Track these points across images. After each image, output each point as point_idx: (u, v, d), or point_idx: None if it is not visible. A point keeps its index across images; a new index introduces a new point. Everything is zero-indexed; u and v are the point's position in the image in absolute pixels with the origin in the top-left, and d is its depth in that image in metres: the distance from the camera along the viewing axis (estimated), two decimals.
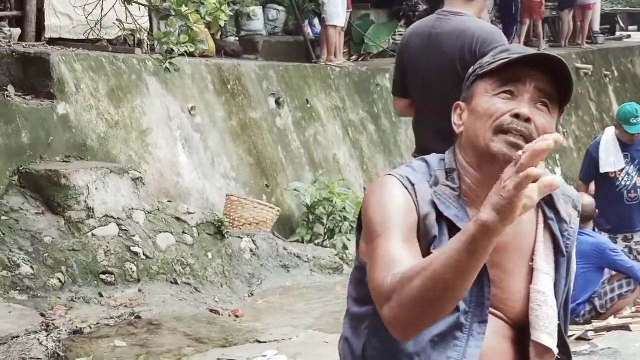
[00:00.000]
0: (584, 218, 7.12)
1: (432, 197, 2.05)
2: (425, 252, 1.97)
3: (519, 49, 2.11)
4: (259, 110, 9.69)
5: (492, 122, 2.03)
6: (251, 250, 7.60)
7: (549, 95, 2.06)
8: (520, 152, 1.68)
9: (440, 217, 2.04)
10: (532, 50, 2.11)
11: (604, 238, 7.28)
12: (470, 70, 2.17)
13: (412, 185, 2.06)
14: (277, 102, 10.03)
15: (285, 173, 9.66)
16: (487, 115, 2.04)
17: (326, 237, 8.86)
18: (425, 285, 1.80)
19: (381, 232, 1.99)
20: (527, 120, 2.01)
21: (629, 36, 21.75)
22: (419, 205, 2.03)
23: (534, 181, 1.67)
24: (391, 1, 15.10)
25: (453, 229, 2.01)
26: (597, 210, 7.23)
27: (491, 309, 2.06)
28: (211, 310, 6.56)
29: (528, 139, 2.00)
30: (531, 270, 2.12)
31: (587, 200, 7.22)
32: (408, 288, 1.82)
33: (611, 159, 7.69)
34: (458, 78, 4.04)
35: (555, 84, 2.06)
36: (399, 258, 1.91)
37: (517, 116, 2.01)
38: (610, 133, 7.82)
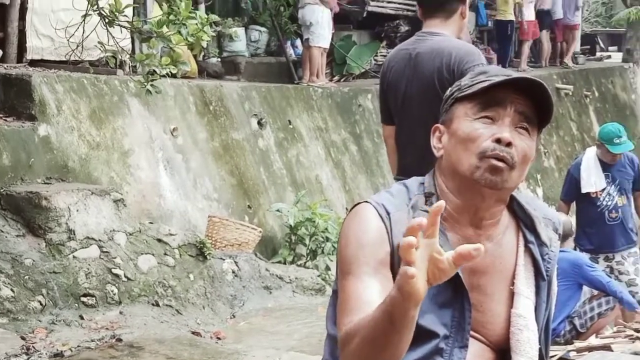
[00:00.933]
0: (562, 236, 7.15)
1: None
2: None
3: (496, 71, 2.10)
4: (241, 131, 9.69)
5: (474, 148, 2.02)
6: (233, 272, 7.57)
7: (529, 119, 2.05)
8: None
9: None
10: (510, 72, 2.10)
11: (580, 254, 7.31)
12: (448, 93, 2.16)
13: (388, 213, 2.05)
14: (259, 123, 10.03)
15: (268, 194, 9.65)
16: (469, 140, 2.04)
17: (308, 258, 8.84)
18: (361, 345, 1.84)
19: (351, 269, 2.00)
20: (509, 144, 2.01)
21: (609, 56, 21.91)
22: (392, 236, 2.03)
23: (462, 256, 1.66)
24: (373, 22, 15.16)
25: None
26: (573, 229, 7.25)
27: (471, 332, 2.06)
28: (193, 333, 6.53)
29: (509, 163, 2.00)
30: (512, 294, 2.12)
31: (564, 218, 7.25)
32: (350, 346, 1.87)
33: (592, 179, 7.72)
34: (437, 97, 4.07)
35: (535, 106, 2.06)
36: (365, 301, 1.92)
37: (498, 141, 2.01)
38: (591, 153, 7.85)
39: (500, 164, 2.00)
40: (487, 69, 2.14)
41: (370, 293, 1.94)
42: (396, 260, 2.01)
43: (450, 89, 2.17)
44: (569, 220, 7.27)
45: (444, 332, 2.01)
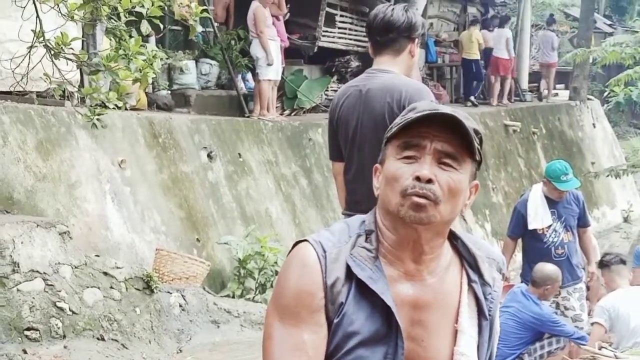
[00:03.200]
0: (537, 284, 7.25)
1: (347, 260, 2.05)
2: (332, 320, 2.02)
3: (424, 106, 2.10)
4: (190, 163, 9.65)
5: (398, 186, 2.04)
6: (180, 306, 7.50)
7: (451, 154, 2.05)
8: None
9: (352, 278, 2.05)
10: (438, 107, 2.09)
11: (547, 309, 7.35)
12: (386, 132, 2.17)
13: (324, 252, 2.06)
14: (209, 156, 10.01)
15: (217, 227, 9.60)
16: (393, 180, 2.05)
17: (257, 292, 8.81)
18: None
19: (283, 317, 2.04)
20: (429, 181, 2.01)
21: (557, 94, 22.27)
22: (326, 276, 2.04)
23: None
24: (324, 57, 15.27)
25: (366, 290, 2.03)
26: (548, 282, 7.30)
27: None
28: None
29: (431, 199, 2.02)
30: (455, 332, 2.12)
31: (549, 268, 7.32)
32: None
33: (539, 216, 7.79)
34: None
35: (461, 139, 2.06)
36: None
37: (418, 179, 2.02)
38: (537, 190, 7.93)
39: (421, 200, 2.01)
40: (416, 104, 2.13)
41: (292, 354, 1.99)
42: (329, 298, 2.03)
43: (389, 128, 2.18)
44: (553, 271, 7.33)
45: None
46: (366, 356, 2.01)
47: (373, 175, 2.17)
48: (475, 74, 18.18)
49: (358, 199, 4.28)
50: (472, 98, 18.10)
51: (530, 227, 7.79)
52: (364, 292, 2.03)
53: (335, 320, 2.02)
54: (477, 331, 2.15)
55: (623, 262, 7.78)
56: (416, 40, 4.36)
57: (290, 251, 2.14)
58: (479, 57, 17.97)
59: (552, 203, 7.76)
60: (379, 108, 4.18)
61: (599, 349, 6.42)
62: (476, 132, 2.08)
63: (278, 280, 2.10)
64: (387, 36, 4.30)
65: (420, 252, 2.08)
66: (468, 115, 2.11)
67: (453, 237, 2.18)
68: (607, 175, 16.25)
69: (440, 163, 2.04)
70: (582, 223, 7.94)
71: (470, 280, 2.15)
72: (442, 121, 2.04)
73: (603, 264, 7.84)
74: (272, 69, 12.11)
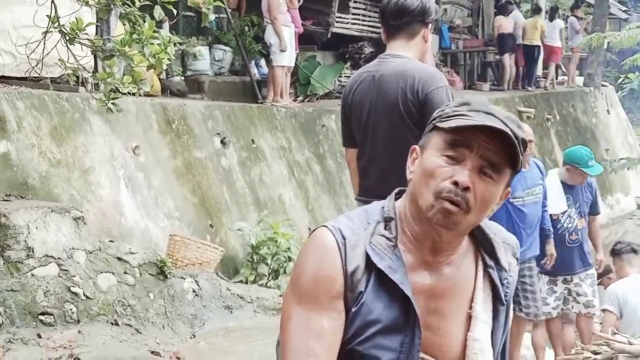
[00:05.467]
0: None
1: (366, 248, 2.05)
2: (350, 309, 2.02)
3: (478, 105, 2.06)
4: (204, 149, 9.67)
5: (433, 185, 2.01)
6: (194, 291, 7.53)
7: (494, 165, 2.02)
8: None
9: (371, 267, 2.04)
10: (490, 108, 2.05)
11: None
12: (434, 115, 2.13)
13: (344, 239, 2.05)
14: (223, 142, 10.02)
15: (230, 213, 9.62)
16: (430, 176, 2.03)
17: (270, 278, 8.82)
18: None
19: (302, 302, 2.03)
20: (466, 188, 1.99)
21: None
22: (347, 263, 2.03)
23: None
24: (337, 43, 15.24)
25: (385, 279, 2.02)
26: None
27: (427, 356, 2.07)
28: (152, 352, 6.48)
29: (463, 207, 2.00)
30: (469, 317, 2.12)
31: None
32: None
33: (554, 201, 7.77)
34: (400, 118, 4.13)
35: (505, 151, 2.02)
36: (304, 349, 1.98)
37: (456, 183, 1.99)
38: (553, 175, 7.90)
39: (453, 207, 1.99)
40: (470, 100, 2.09)
41: (311, 338, 1.98)
42: (349, 285, 2.02)
43: (437, 111, 2.13)
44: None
45: (388, 357, 2.01)
46: (384, 344, 2.02)
47: (409, 156, 2.14)
48: (537, 59, 19.20)
49: (371, 184, 4.29)
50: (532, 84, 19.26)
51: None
52: (383, 281, 2.02)
53: (354, 309, 2.02)
54: (491, 316, 2.15)
55: (634, 251, 7.79)
56: (429, 25, 4.35)
57: (308, 237, 2.13)
58: (540, 43, 18.88)
59: (567, 189, 7.73)
60: (392, 93, 4.17)
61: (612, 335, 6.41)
62: (523, 142, 2.05)
63: (296, 265, 2.09)
64: (401, 20, 4.29)
65: (440, 248, 2.08)
66: (519, 123, 2.08)
67: None
68: (624, 168, 16.16)
69: (481, 172, 2.01)
70: (593, 211, 7.92)
71: (486, 266, 2.15)
72: (492, 130, 2.00)
73: (614, 252, 7.85)
74: (286, 55, 12.10)
